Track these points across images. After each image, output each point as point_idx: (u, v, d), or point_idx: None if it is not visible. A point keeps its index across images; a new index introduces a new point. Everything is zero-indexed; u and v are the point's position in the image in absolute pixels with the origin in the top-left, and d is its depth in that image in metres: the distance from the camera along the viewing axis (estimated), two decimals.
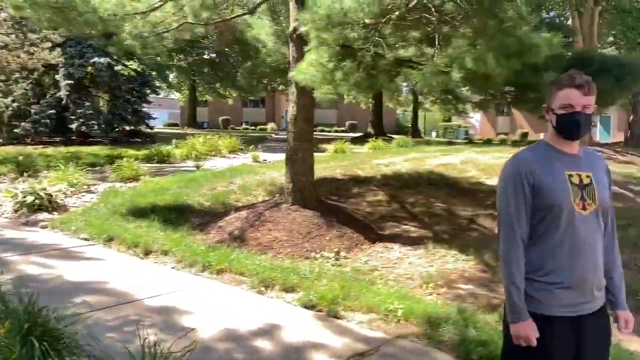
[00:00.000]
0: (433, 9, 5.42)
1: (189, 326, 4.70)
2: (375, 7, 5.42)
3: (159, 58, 29.66)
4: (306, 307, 5.39)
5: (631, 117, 25.96)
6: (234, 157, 16.17)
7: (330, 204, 8.64)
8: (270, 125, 45.82)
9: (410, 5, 5.70)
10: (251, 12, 8.16)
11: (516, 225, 2.49)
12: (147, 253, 6.96)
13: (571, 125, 2.48)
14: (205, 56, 30.22)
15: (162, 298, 5.41)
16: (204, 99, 46.96)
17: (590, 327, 2.48)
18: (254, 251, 7.11)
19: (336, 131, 45.74)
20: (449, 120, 53.36)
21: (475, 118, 53.59)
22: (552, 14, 10.95)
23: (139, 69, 26.74)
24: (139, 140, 21.49)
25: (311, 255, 7.03)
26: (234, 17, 8.38)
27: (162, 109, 60.59)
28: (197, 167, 12.82)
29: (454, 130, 48.41)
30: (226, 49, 13.07)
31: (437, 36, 5.27)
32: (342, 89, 5.83)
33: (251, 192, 10.22)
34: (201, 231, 8.04)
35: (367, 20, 6.08)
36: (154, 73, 29.01)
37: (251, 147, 16.57)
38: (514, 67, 5.20)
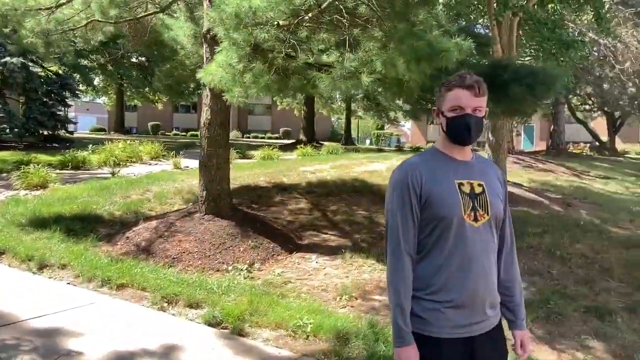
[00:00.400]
0: (344, 11, 5.21)
1: (75, 350, 4.27)
2: (284, 7, 5.15)
3: (83, 60, 28.55)
4: (210, 324, 5.03)
5: (552, 127, 27.00)
6: (156, 164, 15.52)
7: (248, 213, 8.29)
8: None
9: (322, 6, 5.47)
10: (163, 10, 7.73)
11: (403, 239, 2.26)
12: (41, 267, 6.38)
13: (462, 129, 2.28)
14: (134, 59, 29.15)
15: (49, 318, 4.91)
16: (133, 104, 45.36)
17: (484, 348, 2.28)
18: (162, 264, 6.67)
19: (270, 137, 45.39)
20: (382, 128, 54.12)
21: (407, 126, 54.61)
22: (475, 23, 11.10)
23: (60, 71, 25.47)
24: (56, 145, 20.33)
25: (223, 267, 6.66)
26: (146, 16, 7.92)
27: (90, 114, 58.63)
28: (113, 173, 12.16)
29: (386, 138, 49.04)
30: (144, 51, 12.47)
31: (347, 39, 5.05)
32: (252, 91, 5.51)
33: (167, 201, 9.73)
34: (108, 242, 7.51)
35: (281, 22, 5.83)
36: (77, 76, 27.76)
37: (172, 153, 15.95)
38: (424, 71, 5.06)
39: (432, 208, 2.24)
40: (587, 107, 30.75)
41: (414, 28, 4.90)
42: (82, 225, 8.10)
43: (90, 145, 15.51)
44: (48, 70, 23.66)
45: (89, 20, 8.33)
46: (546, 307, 5.79)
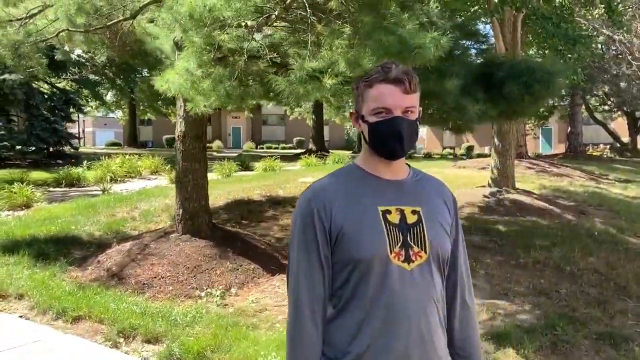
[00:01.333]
0: (309, 6, 4.63)
1: None
2: (241, 4, 4.59)
3: (92, 76, 28.40)
4: None
5: (569, 129, 26.09)
6: (155, 178, 15.07)
7: (229, 231, 7.70)
8: (216, 143, 44.55)
9: (287, 2, 4.90)
10: (133, 17, 7.21)
11: (306, 293, 1.66)
12: None
13: (389, 138, 1.67)
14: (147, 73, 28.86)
15: None
16: (147, 118, 45.22)
17: None
18: (130, 291, 6.12)
19: (284, 147, 44.88)
20: None
21: (424, 132, 53.77)
22: (474, 20, 10.47)
23: (67, 87, 25.32)
24: (60, 162, 20.05)
25: (195, 293, 6.08)
26: (115, 23, 7.41)
27: (108, 129, 58.75)
28: (104, 190, 11.70)
29: None
30: (130, 61, 12.09)
31: (309, 37, 4.46)
32: (211, 100, 4.94)
33: (152, 219, 9.21)
34: (79, 267, 6.98)
35: (249, 22, 5.27)
36: (85, 91, 27.61)
37: (170, 167, 15.51)
38: None
39: (345, 247, 1.64)
40: (606, 107, 29.73)
41: (384, 22, 4.29)
42: (56, 249, 7.59)
43: (85, 162, 15.10)
44: (54, 86, 23.53)
45: (60, 30, 7.85)
46: (552, 333, 5.10)
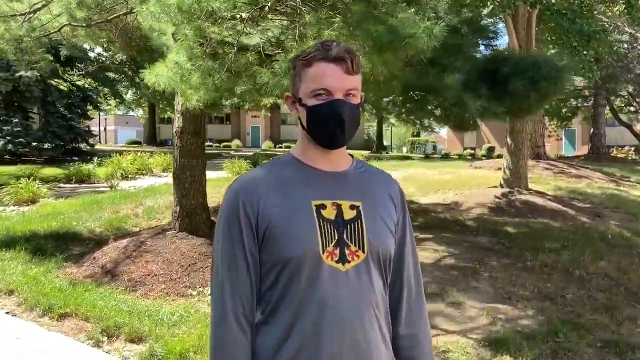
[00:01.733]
0: None
1: None
2: None
3: (109, 74, 28.60)
4: None
5: (592, 130, 25.48)
6: (166, 176, 15.01)
7: None
8: (235, 142, 44.61)
9: None
10: (131, 10, 7.11)
11: (230, 296, 1.48)
12: None
13: (330, 123, 1.48)
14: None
15: None
16: (166, 116, 45.44)
17: None
18: (122, 288, 6.01)
19: None
20: (418, 135, 52.82)
21: (444, 132, 53.17)
22: (485, 16, 10.19)
23: (85, 85, 25.51)
24: (76, 158, 20.19)
25: (188, 292, 5.94)
26: (115, 17, 7.33)
27: (130, 127, 59.26)
28: (111, 187, 11.67)
29: (420, 145, 47.73)
30: (137, 57, 12.00)
31: (297, 26, 4.28)
32: (200, 94, 4.79)
33: (155, 216, 9.12)
34: (75, 263, 6.91)
35: (244, 15, 5.12)
36: (105, 89, 27.83)
37: None
38: (392, 63, 4.25)
39: (274, 245, 1.47)
40: (631, 108, 28.98)
41: (375, 11, 4.09)
42: (54, 244, 7.55)
43: (95, 158, 15.12)
44: (73, 84, 23.72)
45: (63, 24, 7.81)
46: (554, 340, 4.83)
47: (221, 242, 1.51)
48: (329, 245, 1.46)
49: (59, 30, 7.89)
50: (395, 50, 3.96)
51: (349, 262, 1.48)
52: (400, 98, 6.58)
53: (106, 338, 4.78)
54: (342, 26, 4.16)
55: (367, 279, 1.50)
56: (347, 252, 1.48)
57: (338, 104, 1.48)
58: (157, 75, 5.04)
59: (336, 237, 1.48)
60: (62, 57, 15.64)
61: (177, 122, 6.84)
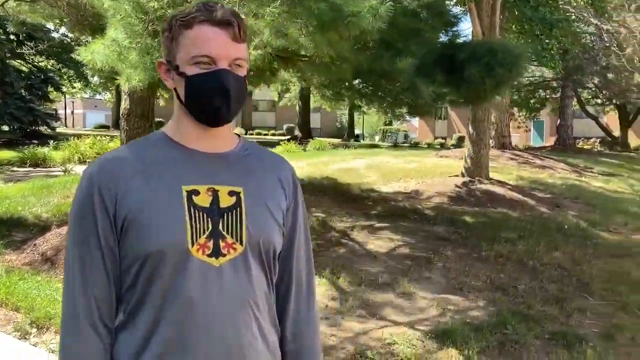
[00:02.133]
0: None
1: None
2: None
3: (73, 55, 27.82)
4: None
5: (558, 122, 25.70)
6: None
7: None
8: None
9: None
10: None
11: (83, 295, 1.26)
12: None
13: (214, 96, 1.28)
14: None
15: None
16: None
17: None
18: (61, 277, 5.73)
19: (274, 134, 44.29)
20: (390, 124, 52.81)
21: (415, 121, 53.27)
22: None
23: (48, 66, 24.73)
24: (35, 142, 19.57)
25: None
26: None
27: (98, 110, 57.92)
28: (65, 171, 11.28)
29: (392, 134, 47.74)
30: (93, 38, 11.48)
31: (237, 3, 4.04)
32: (138, 73, 4.53)
33: None
34: (15, 250, 6.60)
35: None
36: (70, 72, 27.03)
37: None
38: (337, 44, 4.05)
39: (134, 237, 1.26)
40: (598, 100, 29.32)
41: None
42: None
43: (51, 142, 14.63)
44: (35, 65, 22.97)
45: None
46: (502, 332, 4.74)
47: (74, 235, 1.29)
48: (200, 237, 1.27)
49: (1, 4, 7.47)
50: (337, 29, 3.75)
51: (224, 255, 1.28)
52: (356, 82, 6.41)
53: (35, 330, 4.53)
54: (283, 2, 3.94)
55: (245, 275, 1.30)
56: (222, 244, 1.29)
57: (223, 74, 1.27)
58: (93, 53, 4.76)
59: (209, 228, 1.28)
60: (20, 36, 15.05)
61: (124, 104, 6.55)
